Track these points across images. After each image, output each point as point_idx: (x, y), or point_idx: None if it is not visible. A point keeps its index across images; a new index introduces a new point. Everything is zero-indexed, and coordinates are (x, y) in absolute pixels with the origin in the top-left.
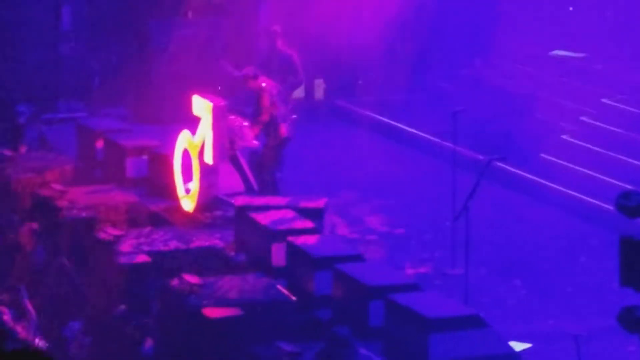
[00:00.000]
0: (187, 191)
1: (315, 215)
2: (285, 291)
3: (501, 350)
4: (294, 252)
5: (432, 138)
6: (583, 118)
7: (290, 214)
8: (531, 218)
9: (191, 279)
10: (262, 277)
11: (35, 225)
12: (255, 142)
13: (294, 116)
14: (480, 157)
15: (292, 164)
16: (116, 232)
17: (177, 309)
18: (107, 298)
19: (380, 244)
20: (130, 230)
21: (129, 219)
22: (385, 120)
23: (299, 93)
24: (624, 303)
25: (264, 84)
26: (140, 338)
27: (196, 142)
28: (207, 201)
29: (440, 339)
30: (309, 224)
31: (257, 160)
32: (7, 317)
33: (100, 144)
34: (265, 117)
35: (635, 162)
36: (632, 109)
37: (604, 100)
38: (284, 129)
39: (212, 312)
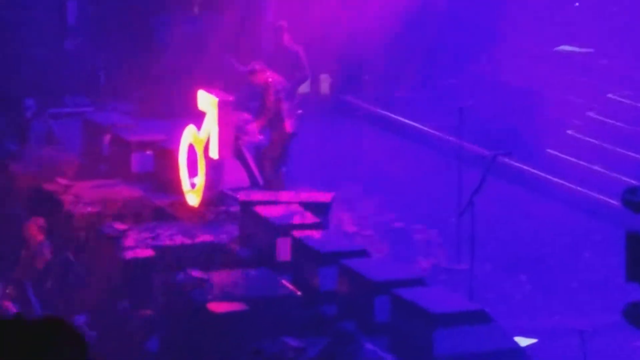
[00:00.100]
0: (193, 186)
1: (322, 209)
2: (290, 286)
3: (506, 346)
4: (299, 247)
5: (437, 133)
6: (589, 113)
7: (295, 208)
8: (536, 213)
9: (196, 273)
10: (267, 272)
11: (40, 220)
12: (260, 137)
13: (300, 111)
14: (486, 152)
15: (298, 159)
16: (121, 227)
17: (182, 303)
18: (111, 292)
19: (386, 239)
20: (135, 225)
21: (134, 214)
22: (391, 115)
23: (304, 88)
24: (629, 299)
25: (269, 79)
26: (145, 332)
27: (201, 137)
28: (212, 196)
29: (445, 334)
30: (314, 218)
31: (262, 155)
32: (12, 312)
33: (107, 138)
34: (270, 112)
35: None
36: (638, 105)
37: (609, 95)
38: (289, 124)
39: (217, 307)
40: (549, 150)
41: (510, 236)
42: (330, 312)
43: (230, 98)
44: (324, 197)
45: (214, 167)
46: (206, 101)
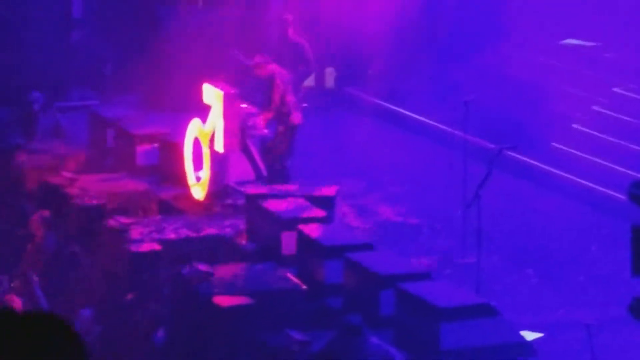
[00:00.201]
0: (198, 179)
1: (327, 203)
2: (295, 280)
3: (512, 339)
4: (304, 240)
5: (442, 127)
6: (594, 107)
7: (300, 202)
8: (542, 207)
9: (202, 267)
10: (272, 266)
11: (46, 213)
12: (266, 130)
13: (305, 104)
14: (491, 145)
15: (303, 152)
16: (127, 220)
17: (187, 297)
18: (117, 286)
19: (391, 232)
20: (141, 218)
21: (140, 207)
22: (396, 108)
23: (309, 81)
24: (635, 293)
25: (275, 72)
26: (151, 326)
27: (207, 130)
28: (218, 189)
29: (451, 328)
30: (319, 212)
31: (268, 148)
32: (18, 305)
33: (112, 132)
34: (275, 106)
35: None
36: None
37: (615, 89)
38: (295, 117)
39: (223, 301)
40: (554, 144)
41: (517, 230)
42: (336, 306)
43: (236, 91)
44: (328, 190)
45: (219, 161)
46: (211, 94)
